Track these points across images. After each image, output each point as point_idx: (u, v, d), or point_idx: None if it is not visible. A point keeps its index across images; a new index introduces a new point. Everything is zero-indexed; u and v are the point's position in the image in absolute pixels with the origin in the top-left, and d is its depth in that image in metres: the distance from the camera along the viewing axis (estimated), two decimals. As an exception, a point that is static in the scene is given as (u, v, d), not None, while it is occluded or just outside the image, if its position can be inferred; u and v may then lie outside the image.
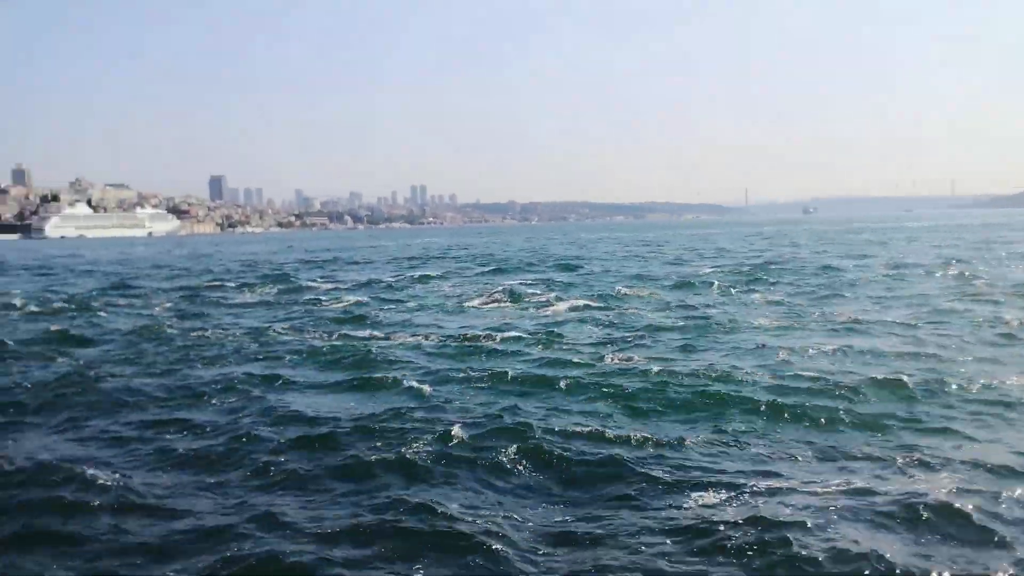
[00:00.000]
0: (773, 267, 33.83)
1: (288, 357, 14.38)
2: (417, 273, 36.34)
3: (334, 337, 16.71)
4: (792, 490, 7.12)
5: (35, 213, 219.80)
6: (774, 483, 7.32)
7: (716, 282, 26.69)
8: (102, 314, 22.16)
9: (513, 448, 8.40)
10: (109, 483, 7.65)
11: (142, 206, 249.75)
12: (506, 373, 12.22)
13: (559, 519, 6.73)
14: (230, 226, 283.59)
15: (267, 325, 18.71)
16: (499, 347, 14.99)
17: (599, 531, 6.44)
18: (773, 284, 26.15)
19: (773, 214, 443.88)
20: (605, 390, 11.02)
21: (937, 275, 27.27)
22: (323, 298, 25.78)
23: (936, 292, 22.10)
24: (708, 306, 20.56)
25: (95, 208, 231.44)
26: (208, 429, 9.63)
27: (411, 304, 23.38)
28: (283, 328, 18.22)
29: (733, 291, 24.14)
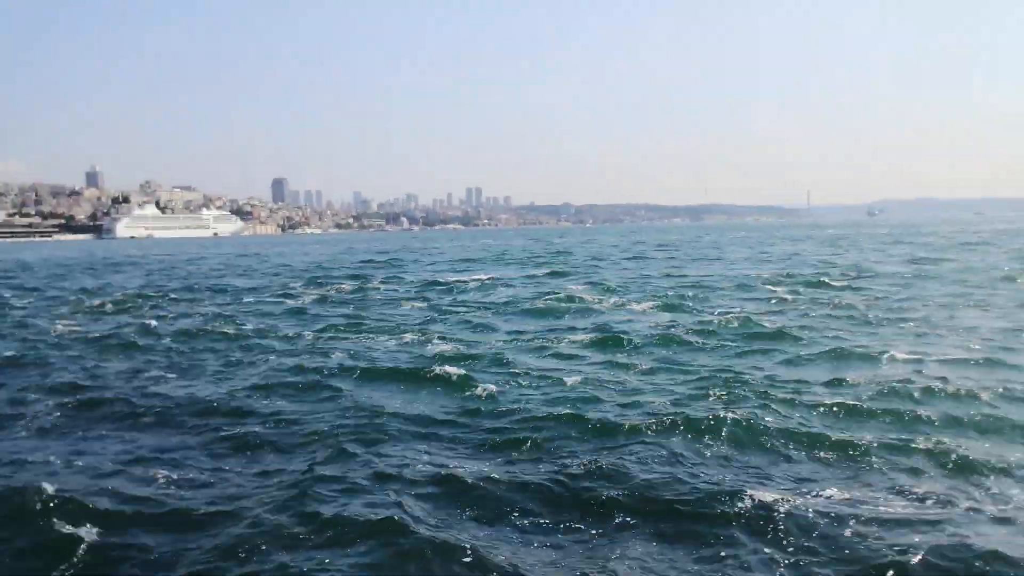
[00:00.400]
0: (837, 271, 33.01)
1: (349, 356, 14.62)
2: (475, 276, 36.62)
3: (396, 337, 16.93)
4: (863, 494, 6.97)
5: (107, 214, 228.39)
6: (846, 492, 7.16)
7: (778, 287, 26.18)
8: (168, 312, 22.91)
9: (572, 459, 8.41)
10: (182, 477, 7.92)
11: (207, 207, 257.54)
12: (565, 377, 12.23)
13: (610, 525, 6.69)
14: (291, 227, 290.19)
15: (331, 325, 19.09)
16: (558, 350, 15.00)
17: (658, 543, 6.40)
18: (839, 289, 25.50)
19: (836, 217, 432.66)
20: (663, 396, 10.92)
21: (1018, 281, 26.19)
22: (385, 299, 26.18)
23: (1015, 300, 21.27)
24: (771, 312, 20.17)
25: (163, 209, 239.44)
26: (273, 424, 9.86)
27: (468, 307, 23.53)
28: (346, 327, 18.56)
29: (791, 297, 23.61)
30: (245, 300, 26.67)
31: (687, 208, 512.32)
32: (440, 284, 31.95)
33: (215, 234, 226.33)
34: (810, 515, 6.64)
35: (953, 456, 8.10)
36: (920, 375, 11.68)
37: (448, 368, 12.79)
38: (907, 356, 13.18)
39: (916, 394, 10.51)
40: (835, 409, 9.87)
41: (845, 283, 27.18)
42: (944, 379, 11.27)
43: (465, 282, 32.61)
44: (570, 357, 14.22)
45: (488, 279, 33.91)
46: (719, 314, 19.48)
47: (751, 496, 7.02)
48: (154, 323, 20.07)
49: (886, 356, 13.18)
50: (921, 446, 8.43)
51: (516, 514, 6.94)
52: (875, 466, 7.96)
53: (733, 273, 34.35)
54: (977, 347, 14.01)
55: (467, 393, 11.40)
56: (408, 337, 16.92)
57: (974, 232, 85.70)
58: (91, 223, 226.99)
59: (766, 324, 17.24)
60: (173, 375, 13.17)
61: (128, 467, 8.29)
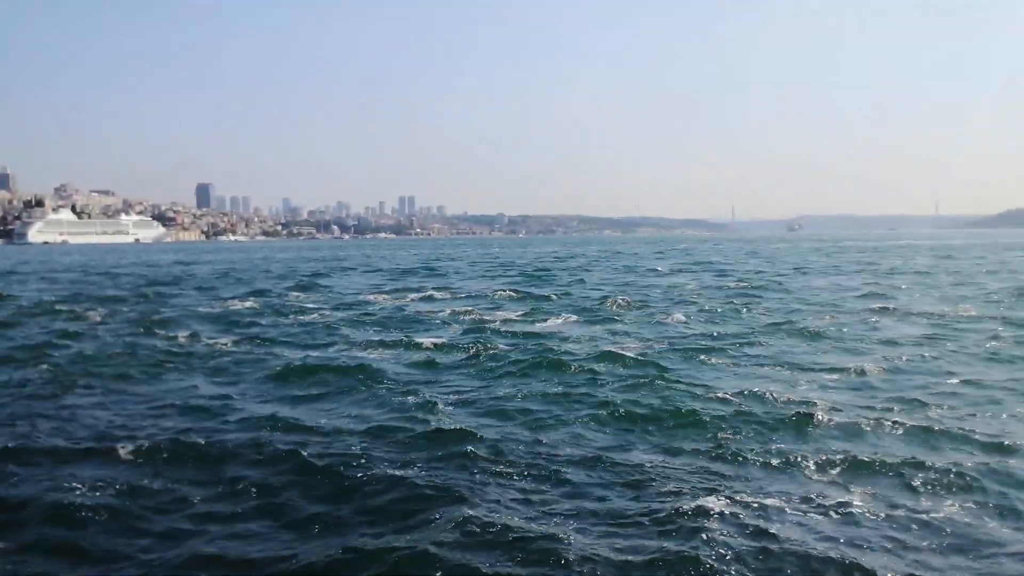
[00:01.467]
0: (762, 285, 33.87)
1: (256, 371, 14.13)
2: (403, 284, 36.22)
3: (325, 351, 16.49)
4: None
5: (18, 218, 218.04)
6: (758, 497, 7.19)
7: (703, 298, 26.64)
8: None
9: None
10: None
11: (127, 213, 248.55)
12: (492, 385, 12.15)
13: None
14: (215, 234, 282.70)
15: (244, 338, 18.50)
16: (485, 363, 14.64)
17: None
18: (762, 300, 26.09)
19: (759, 231, 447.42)
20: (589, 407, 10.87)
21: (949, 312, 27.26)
22: (312, 317, 25.60)
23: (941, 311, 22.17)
24: (697, 322, 20.45)
25: (79, 214, 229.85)
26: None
27: (391, 322, 23.18)
28: (262, 338, 18.02)
29: (721, 308, 24.04)
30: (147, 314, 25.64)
31: (619, 220, 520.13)
32: (372, 305, 31.17)
33: (136, 240, 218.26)
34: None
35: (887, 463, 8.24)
36: (841, 385, 11.94)
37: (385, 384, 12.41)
38: (841, 368, 13.50)
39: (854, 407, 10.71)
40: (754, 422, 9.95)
41: (768, 296, 27.79)
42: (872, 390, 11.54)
43: (399, 291, 32.01)
44: (503, 358, 14.03)
45: (420, 288, 33.42)
46: (651, 325, 19.57)
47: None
48: (77, 332, 19.04)
49: (797, 366, 13.47)
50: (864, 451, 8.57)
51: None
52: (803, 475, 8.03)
53: (662, 283, 34.82)
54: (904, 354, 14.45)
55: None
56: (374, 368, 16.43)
57: (888, 247, 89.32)
58: (1, 227, 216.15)
59: (688, 337, 17.37)
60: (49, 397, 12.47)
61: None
